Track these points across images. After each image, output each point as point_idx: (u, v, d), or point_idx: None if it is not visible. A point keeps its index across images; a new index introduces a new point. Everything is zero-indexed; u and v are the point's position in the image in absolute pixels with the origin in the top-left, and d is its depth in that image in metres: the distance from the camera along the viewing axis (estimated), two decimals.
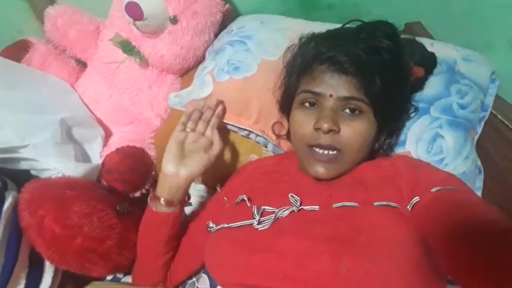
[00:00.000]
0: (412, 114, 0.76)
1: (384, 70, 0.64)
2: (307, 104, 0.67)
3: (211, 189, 0.97)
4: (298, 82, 0.71)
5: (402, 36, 0.77)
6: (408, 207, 0.59)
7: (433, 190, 0.58)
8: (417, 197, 0.58)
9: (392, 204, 0.59)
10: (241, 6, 1.07)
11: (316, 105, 0.66)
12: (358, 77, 0.63)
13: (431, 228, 0.55)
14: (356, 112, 0.65)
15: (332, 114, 0.64)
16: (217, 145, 0.77)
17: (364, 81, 0.63)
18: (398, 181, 0.63)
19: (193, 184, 1.00)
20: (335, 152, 0.65)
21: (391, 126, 0.73)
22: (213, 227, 0.71)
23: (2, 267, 0.63)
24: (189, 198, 0.80)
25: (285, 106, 0.76)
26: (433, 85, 0.79)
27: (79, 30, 0.96)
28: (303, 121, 0.67)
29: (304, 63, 0.70)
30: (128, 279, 0.85)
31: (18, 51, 0.96)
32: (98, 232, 0.68)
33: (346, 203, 0.61)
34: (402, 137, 0.77)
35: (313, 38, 0.72)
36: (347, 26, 0.74)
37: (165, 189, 0.73)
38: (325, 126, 0.63)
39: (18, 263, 0.65)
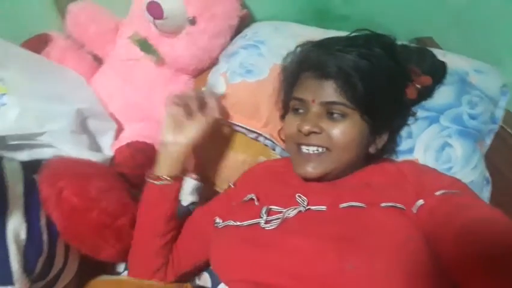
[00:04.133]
0: (419, 121, 0.77)
1: (370, 75, 0.65)
2: (295, 109, 0.71)
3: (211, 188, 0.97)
4: (291, 89, 0.73)
5: (412, 45, 0.79)
6: (413, 209, 0.59)
7: (437, 193, 0.59)
8: (422, 200, 0.59)
9: (399, 205, 0.60)
10: (257, 12, 1.09)
11: (303, 110, 0.69)
12: (339, 82, 0.65)
13: (436, 231, 0.56)
14: (340, 116, 0.66)
15: (313, 118, 0.66)
16: (213, 110, 0.79)
17: (345, 85, 0.65)
18: (404, 184, 0.63)
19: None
20: (321, 149, 0.67)
21: (385, 130, 0.72)
22: (219, 223, 0.72)
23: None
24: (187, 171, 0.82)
25: (284, 111, 0.78)
26: (444, 95, 0.80)
27: (99, 27, 0.99)
28: (291, 124, 0.70)
29: (292, 70, 0.74)
30: None
31: (38, 44, 0.98)
32: (115, 208, 0.69)
33: (353, 203, 0.61)
34: (410, 145, 0.78)
35: (304, 46, 0.75)
36: (352, 34, 0.75)
37: (165, 162, 0.75)
38: (305, 128, 0.65)
39: None
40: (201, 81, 0.98)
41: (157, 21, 0.91)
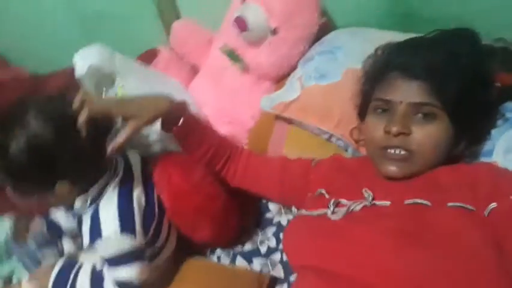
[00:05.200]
0: (500, 122, 0.72)
1: (460, 75, 0.64)
2: (379, 110, 0.70)
3: None
4: (372, 89, 0.74)
5: (496, 44, 0.75)
6: (485, 212, 0.58)
7: None
8: (495, 203, 0.57)
9: (467, 206, 0.58)
10: (339, 20, 1.13)
11: (388, 111, 0.69)
12: (429, 82, 0.64)
13: (507, 234, 0.55)
14: (429, 116, 0.65)
15: (402, 118, 0.66)
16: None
17: (435, 86, 0.64)
18: (477, 186, 0.61)
19: None
20: (406, 152, 0.66)
21: (471, 132, 0.70)
22: (294, 212, 0.83)
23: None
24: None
25: (362, 112, 0.79)
26: None
27: (196, 41, 1.15)
28: (375, 125, 0.70)
29: (377, 71, 0.73)
30: None
31: (149, 57, 1.18)
32: (211, 192, 0.81)
33: (418, 200, 0.62)
34: (489, 147, 0.73)
35: (387, 47, 0.75)
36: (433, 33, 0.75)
37: None
38: (394, 129, 0.65)
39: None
40: (281, 86, 1.05)
41: (243, 33, 1.02)
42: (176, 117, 0.80)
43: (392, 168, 0.68)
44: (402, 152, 0.67)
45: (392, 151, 0.67)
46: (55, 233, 0.89)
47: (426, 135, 0.65)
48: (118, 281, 0.75)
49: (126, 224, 0.75)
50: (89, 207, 0.77)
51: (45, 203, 0.80)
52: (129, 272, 0.74)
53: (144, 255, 0.78)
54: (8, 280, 0.96)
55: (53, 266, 0.81)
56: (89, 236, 0.76)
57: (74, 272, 0.79)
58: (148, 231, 0.80)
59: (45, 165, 0.70)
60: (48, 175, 0.71)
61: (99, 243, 0.74)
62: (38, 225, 0.88)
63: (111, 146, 0.71)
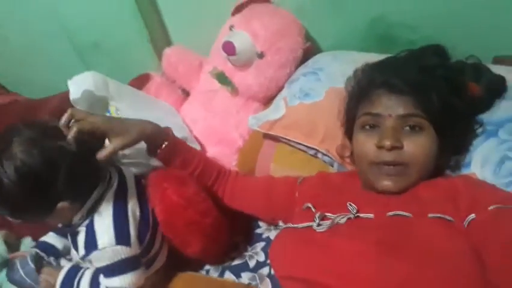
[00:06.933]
0: (479, 131, 0.76)
1: (439, 86, 0.68)
2: (367, 127, 0.73)
3: None
4: (357, 107, 0.77)
5: (469, 61, 0.80)
6: (464, 223, 0.60)
7: (491, 208, 0.59)
8: (474, 214, 0.60)
9: (447, 217, 0.61)
10: (322, 43, 1.19)
11: (377, 127, 0.71)
12: (414, 96, 0.68)
13: (485, 243, 0.56)
14: (417, 128, 0.68)
15: (393, 132, 0.68)
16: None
17: (420, 98, 0.68)
18: (456, 199, 0.64)
19: None
20: (401, 166, 0.69)
21: (455, 143, 0.74)
22: (281, 226, 0.83)
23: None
24: None
25: (348, 129, 0.82)
26: (504, 108, 0.77)
27: (187, 65, 1.20)
28: (365, 141, 0.72)
29: (361, 89, 0.77)
30: None
31: (141, 82, 1.23)
32: (203, 207, 0.83)
33: (399, 212, 0.64)
34: (467, 159, 0.76)
35: (366, 67, 0.80)
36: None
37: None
38: (387, 143, 0.67)
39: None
40: (268, 107, 1.10)
41: (231, 57, 1.07)
42: (161, 141, 0.84)
43: (388, 183, 0.69)
44: (398, 167, 0.69)
45: (387, 166, 0.69)
46: (52, 254, 0.89)
47: (417, 146, 0.68)
48: None
49: (121, 235, 0.76)
50: (85, 219, 0.78)
51: (44, 223, 0.81)
52: (123, 281, 0.75)
53: (140, 263, 0.80)
54: None
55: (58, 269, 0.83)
56: (84, 248, 0.77)
57: (79, 274, 0.80)
58: (143, 240, 0.82)
59: (42, 191, 0.71)
60: (47, 199, 0.73)
61: (94, 255, 0.76)
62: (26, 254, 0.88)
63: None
